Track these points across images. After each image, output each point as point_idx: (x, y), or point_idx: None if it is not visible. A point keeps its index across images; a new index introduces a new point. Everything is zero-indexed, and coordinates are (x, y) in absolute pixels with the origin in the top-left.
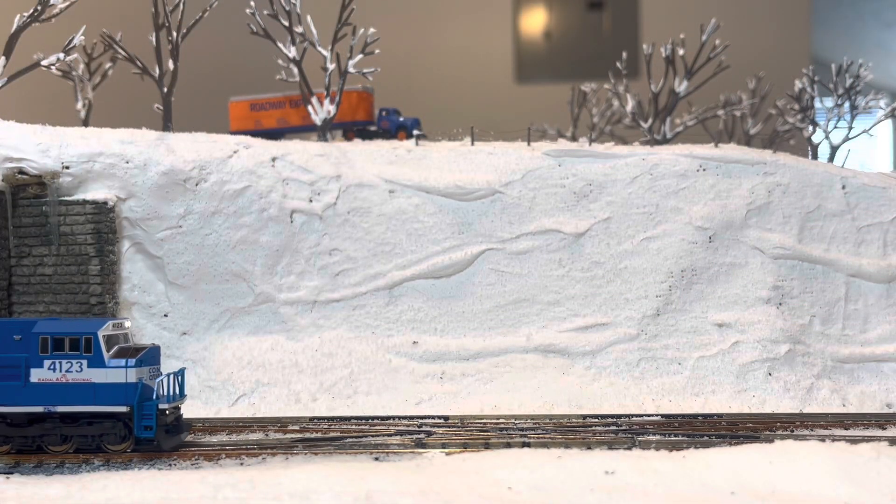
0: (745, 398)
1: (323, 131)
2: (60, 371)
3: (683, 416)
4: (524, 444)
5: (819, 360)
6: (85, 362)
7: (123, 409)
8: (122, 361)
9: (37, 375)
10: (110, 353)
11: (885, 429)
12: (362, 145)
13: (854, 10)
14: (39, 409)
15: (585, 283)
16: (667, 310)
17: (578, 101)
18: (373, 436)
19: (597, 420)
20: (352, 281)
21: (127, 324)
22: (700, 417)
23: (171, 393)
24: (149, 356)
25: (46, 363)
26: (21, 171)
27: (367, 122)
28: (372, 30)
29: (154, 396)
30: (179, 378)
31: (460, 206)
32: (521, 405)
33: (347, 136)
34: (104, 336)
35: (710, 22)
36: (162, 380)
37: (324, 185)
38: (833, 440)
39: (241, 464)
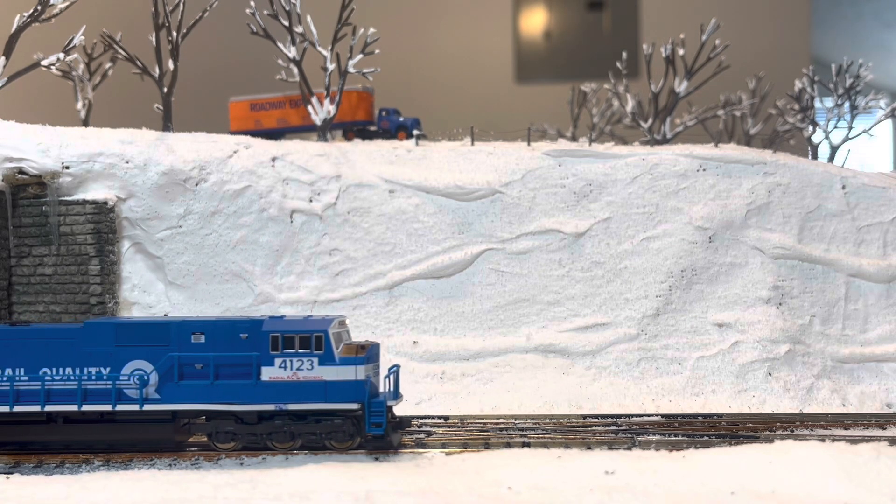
0: (745, 398)
1: (323, 131)
2: (291, 369)
3: (683, 416)
4: (524, 444)
5: (819, 360)
6: (316, 360)
7: (355, 406)
8: (353, 359)
9: (267, 374)
10: (338, 350)
11: (885, 429)
12: (362, 145)
13: (854, 10)
14: (271, 406)
15: (585, 283)
16: (667, 310)
17: (578, 101)
18: None
19: (597, 420)
20: (352, 281)
21: (347, 321)
22: (700, 417)
23: (392, 390)
24: (372, 353)
25: (277, 361)
26: (21, 171)
27: (367, 122)
28: (372, 30)
29: (379, 393)
30: (395, 377)
31: (460, 206)
32: (521, 405)
33: (347, 136)
34: (333, 334)
35: (710, 22)
36: (388, 377)
37: (324, 185)
38: (833, 440)
39: (241, 464)
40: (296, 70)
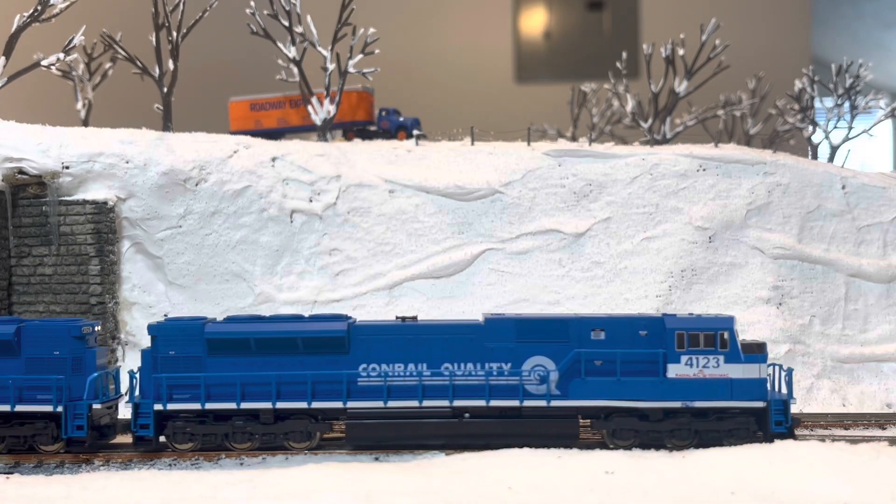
0: None
1: (323, 131)
2: (697, 366)
3: None
4: (524, 444)
5: (819, 360)
6: (721, 358)
7: (760, 404)
8: (757, 357)
9: (673, 371)
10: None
11: (885, 429)
12: (362, 145)
13: (854, 10)
14: (677, 404)
15: (585, 283)
16: (667, 310)
17: (578, 101)
18: None
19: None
20: (352, 281)
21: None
22: None
23: (788, 389)
24: (766, 352)
25: (683, 359)
26: (21, 171)
27: (367, 122)
28: (372, 30)
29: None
30: (789, 377)
31: (460, 206)
32: None
33: (347, 136)
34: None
35: (710, 22)
36: (784, 377)
37: (324, 185)
38: (833, 440)
39: (241, 464)
40: (296, 70)
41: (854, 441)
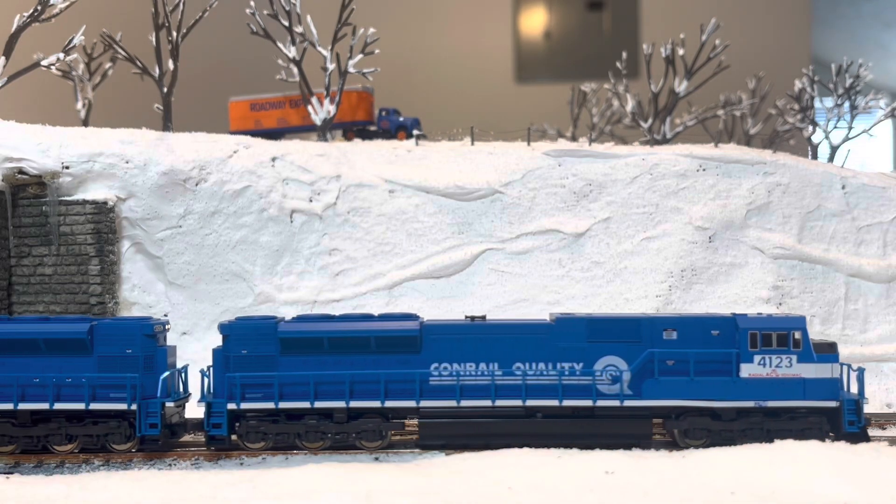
0: None
1: (323, 131)
2: (770, 366)
3: None
4: (524, 444)
5: None
6: (794, 357)
7: (833, 404)
8: (829, 356)
9: (746, 371)
10: None
11: (885, 429)
12: (362, 145)
13: (854, 10)
14: (750, 403)
15: (585, 284)
16: (667, 310)
17: (578, 101)
18: None
19: None
20: (352, 281)
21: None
22: None
23: (858, 389)
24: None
25: (756, 358)
26: (21, 171)
27: (367, 122)
28: (372, 30)
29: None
30: (860, 377)
31: (460, 206)
32: None
33: (347, 136)
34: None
35: (710, 22)
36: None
37: (324, 185)
38: (833, 440)
39: (241, 464)
40: (296, 70)
41: (854, 441)
